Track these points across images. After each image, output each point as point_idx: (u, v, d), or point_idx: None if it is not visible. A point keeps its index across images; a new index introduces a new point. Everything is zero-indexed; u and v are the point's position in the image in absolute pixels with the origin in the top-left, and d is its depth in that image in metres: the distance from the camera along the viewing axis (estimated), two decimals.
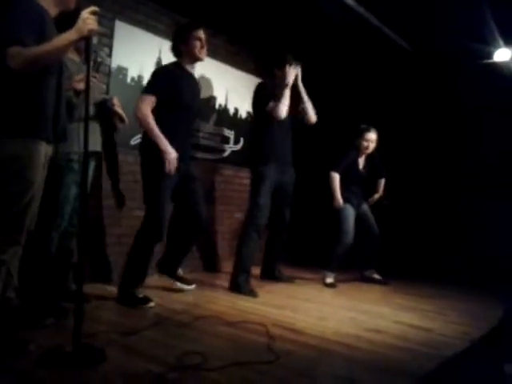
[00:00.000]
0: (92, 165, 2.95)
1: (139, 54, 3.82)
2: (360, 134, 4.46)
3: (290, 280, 4.27)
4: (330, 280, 4.30)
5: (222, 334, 2.59)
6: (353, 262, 4.69)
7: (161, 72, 3.19)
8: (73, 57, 2.79)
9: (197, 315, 2.88)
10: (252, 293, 3.58)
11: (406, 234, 5.25)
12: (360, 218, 4.52)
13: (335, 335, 2.72)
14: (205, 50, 3.23)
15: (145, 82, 3.84)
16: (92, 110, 2.79)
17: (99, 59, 3.17)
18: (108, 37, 3.60)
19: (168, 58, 3.97)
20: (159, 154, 3.03)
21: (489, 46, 4.64)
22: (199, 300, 3.30)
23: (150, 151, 3.08)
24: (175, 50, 3.24)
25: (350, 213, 4.38)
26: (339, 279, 4.42)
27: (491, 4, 3.86)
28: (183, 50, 3.20)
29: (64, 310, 2.55)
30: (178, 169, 3.08)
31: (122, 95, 3.40)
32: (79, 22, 2.03)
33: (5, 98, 2.02)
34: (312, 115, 3.94)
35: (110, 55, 3.63)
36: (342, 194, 4.38)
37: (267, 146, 3.78)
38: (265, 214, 3.75)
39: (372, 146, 4.47)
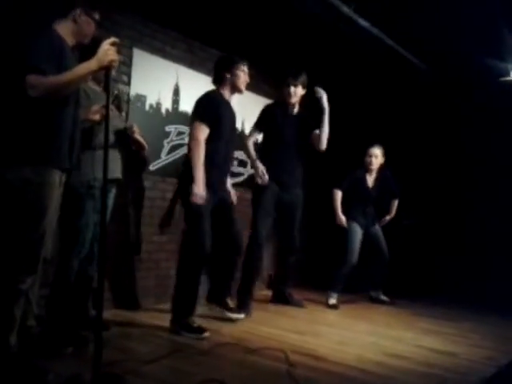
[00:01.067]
0: (113, 192, 2.99)
1: (157, 81, 3.88)
2: (365, 152, 4.47)
3: (299, 304, 4.15)
4: (332, 301, 4.26)
5: (242, 361, 2.56)
6: (360, 284, 4.67)
7: (208, 100, 3.23)
8: (93, 86, 2.85)
9: (216, 342, 2.86)
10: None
11: (424, 254, 5.19)
12: (370, 239, 4.49)
13: (357, 361, 2.68)
14: (246, 84, 3.33)
15: (163, 109, 3.94)
16: (112, 138, 2.84)
17: (115, 91, 3.22)
18: (126, 65, 3.67)
19: (185, 84, 4.08)
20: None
21: (505, 62, 4.62)
22: (218, 325, 3.28)
23: (190, 181, 3.07)
24: (219, 77, 3.29)
25: (357, 231, 4.36)
26: (346, 301, 4.38)
27: (508, 20, 3.85)
28: (227, 80, 3.27)
29: (83, 339, 2.55)
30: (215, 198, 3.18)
31: (141, 122, 3.45)
32: (100, 53, 2.08)
33: (22, 125, 2.06)
34: (324, 143, 3.86)
35: (128, 83, 3.70)
36: (349, 213, 4.38)
37: (267, 166, 3.76)
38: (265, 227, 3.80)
39: (376, 161, 4.43)
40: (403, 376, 2.50)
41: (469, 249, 5.03)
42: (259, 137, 3.97)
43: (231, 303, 3.53)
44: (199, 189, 3.02)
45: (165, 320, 3.29)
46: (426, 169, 5.36)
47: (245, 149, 3.90)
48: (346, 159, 5.08)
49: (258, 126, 3.86)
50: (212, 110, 3.15)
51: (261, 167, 3.71)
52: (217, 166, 3.20)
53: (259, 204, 3.76)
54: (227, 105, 3.32)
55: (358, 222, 4.39)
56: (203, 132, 3.09)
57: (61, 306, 2.69)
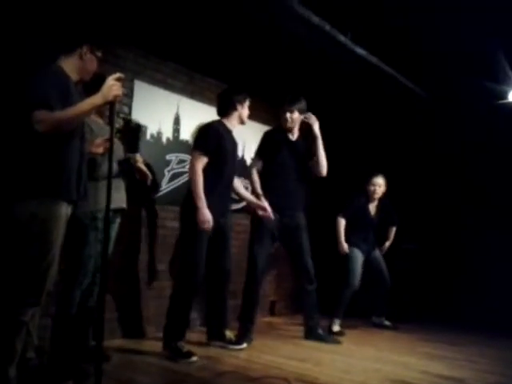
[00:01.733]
0: (117, 222, 3.01)
1: (158, 111, 3.94)
2: (368, 180, 4.52)
3: (334, 341, 3.87)
4: (336, 328, 4.24)
5: None
6: (361, 309, 4.65)
7: (210, 131, 3.31)
8: (95, 119, 2.90)
9: (218, 371, 2.83)
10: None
11: (430, 277, 5.16)
12: (371, 265, 4.52)
13: None
14: None
15: (164, 138, 4.00)
16: (116, 168, 2.88)
17: (117, 125, 3.28)
18: (128, 96, 3.73)
19: (185, 113, 4.15)
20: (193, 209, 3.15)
21: (503, 85, 4.68)
22: (220, 354, 3.25)
23: (192, 206, 3.16)
24: (227, 109, 3.41)
25: (357, 256, 4.38)
26: (348, 326, 4.35)
27: (505, 43, 3.92)
28: (237, 111, 3.41)
29: (84, 372, 2.52)
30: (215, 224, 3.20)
31: (142, 152, 3.53)
32: (105, 88, 2.13)
33: (29, 160, 2.10)
34: (323, 168, 3.87)
35: (129, 114, 3.76)
36: (350, 239, 4.40)
37: (268, 192, 3.75)
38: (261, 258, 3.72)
39: (379, 190, 4.49)
40: None
41: (470, 273, 5.00)
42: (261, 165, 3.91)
43: (230, 334, 3.50)
44: (203, 215, 3.11)
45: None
46: (426, 194, 5.38)
47: (250, 181, 3.86)
48: (345, 186, 5.12)
49: (260, 153, 3.86)
50: (213, 141, 3.25)
51: (265, 204, 3.60)
52: (218, 194, 3.27)
53: (257, 233, 3.73)
54: (229, 134, 3.42)
55: (359, 247, 4.41)
56: (201, 162, 3.20)
57: (63, 338, 2.67)
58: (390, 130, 5.55)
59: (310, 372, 2.94)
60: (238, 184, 3.69)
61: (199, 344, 3.44)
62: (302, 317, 3.94)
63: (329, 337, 3.88)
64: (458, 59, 4.35)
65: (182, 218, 3.34)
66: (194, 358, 3.04)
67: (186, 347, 3.12)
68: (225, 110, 3.43)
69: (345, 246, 4.37)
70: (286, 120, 3.80)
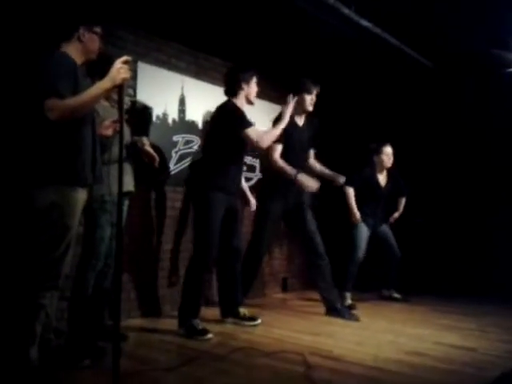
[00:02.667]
0: (125, 204, 3.03)
1: (163, 92, 3.92)
2: (378, 150, 4.48)
3: (352, 317, 3.80)
4: (348, 301, 4.26)
5: (259, 366, 2.57)
6: (371, 282, 4.68)
7: (240, 109, 3.31)
8: (103, 102, 2.88)
9: (233, 347, 2.87)
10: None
11: (442, 250, 5.15)
12: (380, 238, 4.53)
13: (375, 361, 2.67)
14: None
15: (170, 119, 3.99)
16: (123, 152, 2.87)
17: (125, 106, 3.27)
18: (132, 78, 3.71)
19: (190, 94, 4.12)
20: (209, 188, 3.21)
21: None
22: (234, 330, 3.29)
23: (200, 184, 3.26)
24: (234, 88, 3.35)
25: (363, 230, 4.38)
26: (358, 299, 4.37)
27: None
28: (244, 90, 3.35)
29: (101, 350, 2.57)
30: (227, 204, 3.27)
31: (150, 134, 3.56)
32: (113, 72, 2.12)
33: (44, 147, 2.12)
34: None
35: (134, 96, 3.74)
36: (359, 212, 4.38)
37: (277, 175, 3.73)
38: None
39: (390, 159, 4.48)
40: (424, 373, 2.48)
41: (482, 244, 4.99)
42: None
43: (244, 311, 3.53)
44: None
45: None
46: (436, 167, 5.33)
47: (279, 167, 3.65)
48: (352, 159, 5.09)
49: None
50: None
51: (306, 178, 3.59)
52: (232, 175, 3.31)
53: (266, 213, 3.75)
54: None
55: (365, 221, 4.40)
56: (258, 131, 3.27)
57: (79, 319, 2.72)
58: (396, 101, 5.48)
59: (323, 345, 2.97)
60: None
61: (214, 321, 3.49)
62: (319, 294, 3.91)
63: (347, 313, 3.80)
64: (464, 28, 4.26)
65: (193, 199, 3.37)
66: (210, 335, 3.09)
67: (201, 325, 3.17)
68: (232, 89, 3.38)
69: (357, 214, 4.33)
70: (311, 103, 3.75)
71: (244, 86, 3.35)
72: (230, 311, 3.54)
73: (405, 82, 5.27)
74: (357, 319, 3.71)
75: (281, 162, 3.63)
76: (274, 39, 4.48)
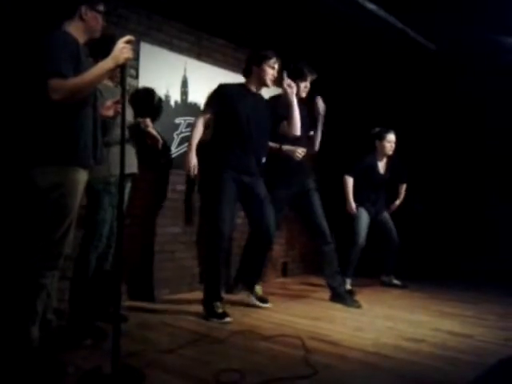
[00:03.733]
0: (128, 186, 3.02)
1: (165, 73, 3.88)
2: (381, 136, 4.44)
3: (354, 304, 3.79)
4: (348, 287, 4.26)
5: (259, 349, 2.59)
6: (370, 268, 4.69)
7: (215, 90, 3.39)
8: (106, 82, 2.86)
9: (233, 330, 2.90)
10: None
11: (441, 237, 5.17)
12: (380, 225, 4.54)
13: (374, 346, 2.69)
14: (273, 80, 3.42)
15: (172, 101, 3.96)
16: (126, 133, 2.85)
17: (127, 87, 3.24)
18: (134, 58, 3.66)
19: (193, 75, 4.08)
20: (212, 168, 3.29)
21: None
22: (234, 314, 3.30)
23: (207, 170, 3.33)
24: (247, 70, 3.43)
25: (363, 216, 4.39)
26: (358, 285, 4.39)
27: None
28: (254, 72, 3.38)
29: (102, 331, 2.60)
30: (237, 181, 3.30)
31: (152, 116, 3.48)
32: (115, 51, 2.09)
33: (45, 128, 2.10)
34: (316, 145, 3.93)
35: (136, 77, 3.71)
36: (357, 198, 4.39)
37: (281, 159, 3.72)
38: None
39: (394, 146, 4.45)
40: (420, 359, 2.50)
41: (482, 231, 5.00)
42: None
43: (259, 290, 3.55)
44: (186, 157, 3.29)
45: (181, 310, 3.40)
46: (438, 152, 5.31)
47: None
48: (353, 144, 5.07)
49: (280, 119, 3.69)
50: (216, 99, 3.34)
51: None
52: (235, 152, 3.32)
53: (274, 197, 3.73)
54: (248, 95, 3.39)
55: (364, 206, 4.41)
56: (201, 116, 3.36)
57: (80, 300, 2.73)
58: (399, 86, 5.43)
59: (322, 330, 2.99)
60: None
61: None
62: (324, 279, 3.91)
63: (350, 300, 3.78)
64: (469, 11, 4.19)
65: (199, 184, 3.38)
66: (228, 319, 3.12)
67: (223, 308, 3.21)
68: (244, 71, 3.45)
69: (353, 205, 4.36)
70: (305, 90, 3.75)
71: (253, 68, 3.37)
72: (245, 280, 3.62)
73: (408, 66, 5.21)
74: (359, 306, 3.70)
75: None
76: (277, 20, 4.41)
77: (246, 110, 3.33)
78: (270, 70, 3.36)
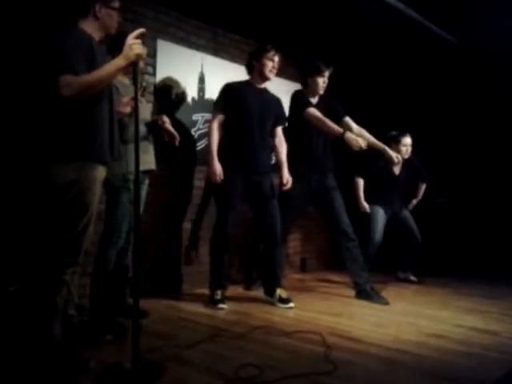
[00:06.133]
0: (146, 183, 3.04)
1: (182, 70, 3.89)
2: (396, 140, 4.39)
3: (381, 301, 3.67)
4: None
5: (278, 345, 2.57)
6: (386, 265, 4.64)
7: (223, 89, 3.48)
8: (122, 80, 2.87)
9: (252, 326, 2.89)
10: None
11: (463, 231, 5.08)
12: (400, 223, 4.52)
13: (395, 342, 2.65)
14: (274, 72, 3.46)
15: (190, 98, 3.96)
16: (143, 130, 2.88)
17: (144, 83, 3.26)
18: (151, 55, 3.69)
19: (210, 71, 4.08)
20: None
21: None
22: (254, 310, 3.31)
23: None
24: (248, 66, 3.50)
25: (378, 213, 4.38)
26: (374, 281, 4.18)
27: None
28: (255, 67, 3.44)
29: (122, 327, 2.62)
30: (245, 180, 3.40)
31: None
32: (126, 49, 2.09)
33: (62, 125, 2.11)
34: None
35: (154, 74, 3.72)
36: (371, 197, 4.39)
37: (303, 155, 3.74)
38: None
39: (409, 150, 4.41)
40: (443, 356, 2.45)
41: (503, 226, 4.90)
42: None
43: (281, 292, 3.52)
44: (211, 168, 3.37)
45: (200, 305, 3.41)
46: (460, 146, 5.21)
47: (321, 123, 3.58)
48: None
49: (308, 102, 3.71)
50: (225, 98, 3.41)
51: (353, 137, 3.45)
52: (242, 150, 3.38)
53: (288, 197, 3.71)
54: (254, 91, 3.44)
55: (378, 204, 4.40)
56: (216, 119, 3.43)
57: (100, 295, 2.76)
58: (420, 80, 5.34)
59: (342, 326, 2.97)
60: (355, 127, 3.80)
61: (234, 299, 3.56)
62: (349, 276, 3.86)
63: (377, 296, 3.69)
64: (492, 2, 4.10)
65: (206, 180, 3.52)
66: (220, 306, 3.31)
67: (221, 296, 3.39)
68: (247, 67, 3.51)
69: (364, 204, 4.37)
70: (323, 86, 3.72)
71: (254, 62, 3.44)
72: (267, 290, 3.59)
73: (428, 60, 5.12)
74: (386, 303, 3.61)
75: (326, 120, 3.53)
76: (292, 15, 4.37)
77: (254, 106, 3.39)
78: (270, 63, 3.39)
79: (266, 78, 3.46)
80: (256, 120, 3.39)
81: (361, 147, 3.37)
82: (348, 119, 3.85)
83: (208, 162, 3.44)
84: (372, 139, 3.75)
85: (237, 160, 3.37)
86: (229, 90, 3.44)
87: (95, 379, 2.00)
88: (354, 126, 3.82)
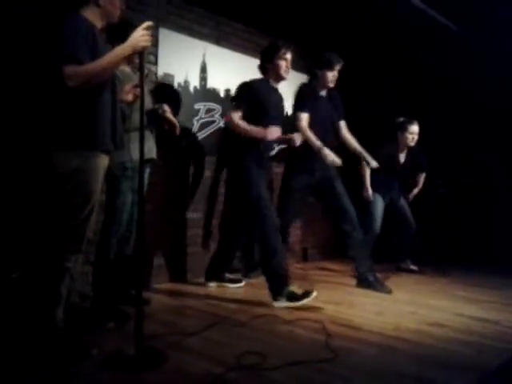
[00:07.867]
0: (147, 171, 3.04)
1: (184, 59, 3.87)
2: (403, 127, 4.36)
3: (384, 290, 3.71)
4: None
5: (280, 333, 2.59)
6: (386, 254, 4.63)
7: (245, 86, 3.39)
8: (124, 68, 2.86)
9: (254, 314, 2.91)
10: None
11: (463, 220, 5.09)
12: (396, 211, 4.52)
13: (395, 330, 2.67)
14: (289, 71, 3.38)
15: (191, 87, 3.95)
16: (144, 119, 2.86)
17: (146, 71, 3.24)
18: (153, 44, 3.66)
19: (212, 61, 4.06)
20: (243, 153, 3.31)
21: None
22: (255, 298, 3.32)
23: (236, 153, 3.35)
24: (262, 68, 3.41)
25: (378, 201, 4.36)
26: (375, 270, 4.28)
27: None
28: (269, 69, 3.35)
29: (125, 314, 2.64)
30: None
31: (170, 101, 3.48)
32: (134, 38, 2.08)
33: (65, 114, 2.11)
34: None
35: (155, 63, 3.71)
36: (374, 185, 4.35)
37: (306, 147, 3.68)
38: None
39: (416, 138, 4.37)
40: (443, 344, 2.47)
41: (504, 215, 4.90)
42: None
43: (296, 289, 3.51)
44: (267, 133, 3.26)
45: (201, 293, 3.44)
46: (461, 135, 5.20)
47: (304, 134, 3.55)
48: (375, 130, 4.99)
49: (303, 108, 3.68)
50: (248, 94, 3.30)
51: (329, 153, 3.49)
52: (261, 148, 3.35)
53: (290, 187, 3.73)
54: (271, 90, 3.40)
55: (379, 192, 4.37)
56: (236, 113, 3.29)
57: (103, 283, 2.78)
58: (424, 68, 5.31)
59: (343, 315, 2.99)
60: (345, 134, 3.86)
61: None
62: (353, 264, 3.89)
63: (380, 285, 3.72)
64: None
65: (233, 169, 3.52)
66: (210, 284, 3.65)
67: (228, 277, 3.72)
68: (260, 67, 3.42)
69: (370, 191, 4.33)
70: (333, 80, 3.68)
71: (267, 65, 3.35)
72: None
73: (430, 48, 5.09)
74: (390, 291, 3.64)
75: (309, 132, 3.55)
76: (301, 4, 4.34)
77: (273, 106, 3.36)
78: (283, 62, 3.32)
79: (282, 79, 3.40)
80: (273, 119, 3.34)
81: (334, 164, 3.47)
82: (343, 124, 3.89)
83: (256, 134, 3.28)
84: (358, 148, 3.80)
85: (260, 157, 3.35)
86: (255, 86, 3.33)
87: (98, 365, 2.02)
88: (344, 131, 3.87)
